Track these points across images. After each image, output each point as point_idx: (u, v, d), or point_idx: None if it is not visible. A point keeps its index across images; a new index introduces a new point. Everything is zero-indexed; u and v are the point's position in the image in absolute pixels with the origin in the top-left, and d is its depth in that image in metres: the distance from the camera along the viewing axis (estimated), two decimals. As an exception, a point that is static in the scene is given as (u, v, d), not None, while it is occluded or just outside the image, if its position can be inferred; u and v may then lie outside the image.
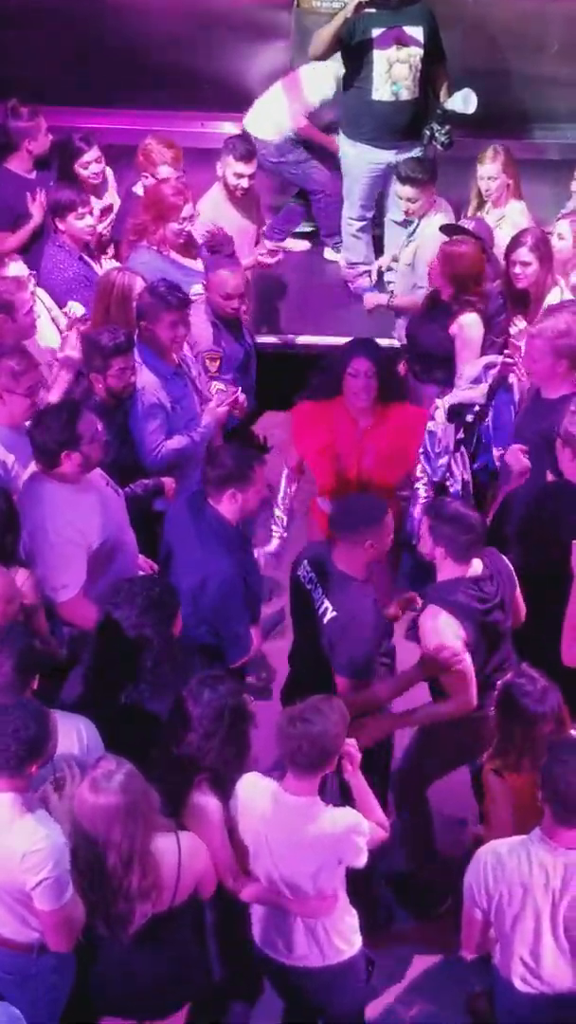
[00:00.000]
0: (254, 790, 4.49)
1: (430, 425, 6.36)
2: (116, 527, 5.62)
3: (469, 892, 4.43)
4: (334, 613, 5.18)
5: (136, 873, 4.09)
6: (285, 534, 6.61)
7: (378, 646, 5.30)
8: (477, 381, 6.54)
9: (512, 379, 6.48)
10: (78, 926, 4.24)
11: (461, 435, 6.50)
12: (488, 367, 6.57)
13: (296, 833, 4.41)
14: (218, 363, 6.71)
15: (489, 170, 7.56)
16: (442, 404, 6.40)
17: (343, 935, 4.62)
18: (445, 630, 5.15)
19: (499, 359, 6.55)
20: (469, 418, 6.38)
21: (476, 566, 5.31)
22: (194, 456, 6.26)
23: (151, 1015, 4.46)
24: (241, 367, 6.87)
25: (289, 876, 4.45)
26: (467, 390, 6.49)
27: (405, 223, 8.18)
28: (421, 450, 6.47)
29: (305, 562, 5.39)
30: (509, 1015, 4.67)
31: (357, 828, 4.45)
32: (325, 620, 5.21)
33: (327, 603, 5.22)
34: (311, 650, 5.33)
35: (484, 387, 6.51)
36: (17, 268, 6.82)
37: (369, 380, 6.04)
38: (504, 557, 5.46)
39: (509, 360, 6.47)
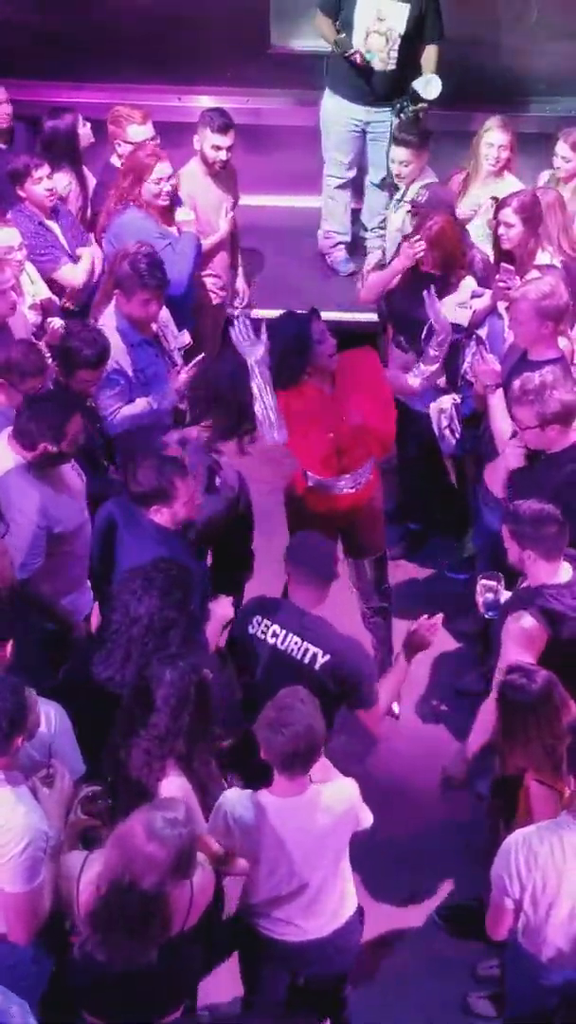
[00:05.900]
0: (242, 808, 4.37)
1: (434, 405, 6.50)
2: (78, 510, 5.61)
3: (500, 883, 4.35)
4: (327, 656, 4.90)
5: (153, 923, 3.98)
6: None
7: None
8: (462, 306, 6.52)
9: (501, 307, 6.42)
10: (38, 921, 4.18)
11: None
12: (475, 294, 6.55)
13: (310, 830, 4.38)
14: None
15: (500, 138, 7.42)
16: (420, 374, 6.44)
17: (351, 895, 4.67)
18: (532, 638, 4.96)
19: (483, 291, 6.53)
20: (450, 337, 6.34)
21: (565, 572, 5.07)
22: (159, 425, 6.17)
23: (148, 1018, 4.38)
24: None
25: (311, 871, 4.43)
26: (454, 311, 6.44)
27: (383, 186, 8.18)
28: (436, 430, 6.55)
29: (260, 617, 5.06)
30: (528, 982, 4.60)
31: (354, 799, 4.49)
32: (317, 666, 4.92)
33: (313, 648, 4.93)
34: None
35: (468, 312, 6.49)
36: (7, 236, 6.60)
37: (332, 337, 5.83)
38: None
39: (502, 283, 6.41)
